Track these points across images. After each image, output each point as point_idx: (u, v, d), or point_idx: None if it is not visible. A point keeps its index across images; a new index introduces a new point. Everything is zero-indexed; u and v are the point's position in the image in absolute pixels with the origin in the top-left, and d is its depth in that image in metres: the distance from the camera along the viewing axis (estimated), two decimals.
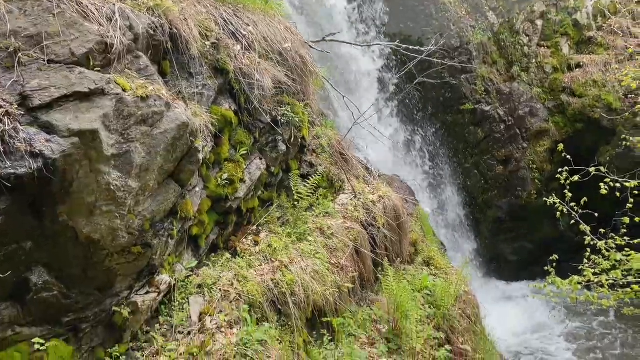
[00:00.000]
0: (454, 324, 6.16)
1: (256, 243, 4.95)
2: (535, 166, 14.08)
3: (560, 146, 7.14)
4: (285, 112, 5.22)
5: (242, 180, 4.74)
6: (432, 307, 6.09)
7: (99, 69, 3.24)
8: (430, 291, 6.28)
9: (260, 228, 5.21)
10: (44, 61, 3.04)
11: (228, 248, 4.80)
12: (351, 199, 6.53)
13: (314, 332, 4.76)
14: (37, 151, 2.71)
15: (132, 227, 3.31)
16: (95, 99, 3.04)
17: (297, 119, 5.34)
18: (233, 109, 4.69)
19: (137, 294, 3.62)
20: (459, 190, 14.32)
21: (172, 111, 3.49)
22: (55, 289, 3.00)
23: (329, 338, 4.65)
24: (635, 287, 5.99)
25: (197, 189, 4.21)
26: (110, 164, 3.06)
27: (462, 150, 14.27)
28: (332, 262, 5.40)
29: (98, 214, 3.06)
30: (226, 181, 4.50)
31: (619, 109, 12.68)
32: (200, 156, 3.86)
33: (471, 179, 14.44)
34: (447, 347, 5.67)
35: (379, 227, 6.42)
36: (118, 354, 3.41)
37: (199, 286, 4.18)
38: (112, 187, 3.07)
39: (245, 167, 4.84)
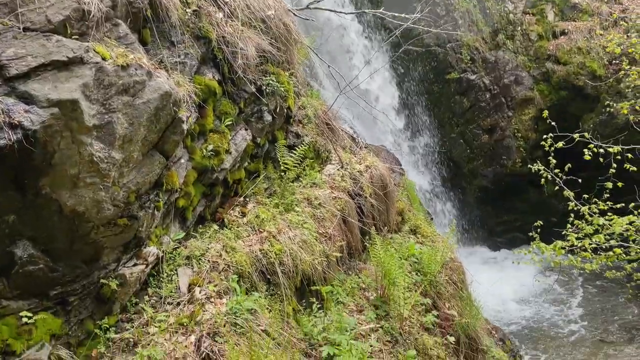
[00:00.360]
0: (440, 290, 6.26)
1: (243, 214, 4.94)
2: (520, 134, 14.18)
3: (545, 113, 7.19)
4: (270, 81, 5.14)
5: (227, 152, 4.69)
6: (419, 274, 6.18)
7: (77, 37, 3.14)
8: (417, 259, 6.35)
9: (248, 199, 5.19)
10: (19, 29, 2.94)
11: (215, 220, 4.79)
12: (338, 169, 6.53)
13: (303, 301, 4.80)
14: (16, 122, 2.64)
15: (117, 199, 3.27)
16: (74, 68, 2.96)
17: (282, 89, 5.27)
18: (217, 79, 4.61)
19: (124, 266, 3.60)
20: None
21: (154, 80, 3.42)
22: (41, 262, 2.97)
23: (318, 306, 4.70)
24: (618, 250, 6.13)
25: (182, 160, 4.16)
26: (92, 135, 3.01)
27: (448, 120, 14.28)
28: (320, 231, 5.42)
29: (82, 186, 3.02)
30: (211, 152, 4.45)
31: (603, 76, 12.75)
32: (185, 127, 3.81)
33: (457, 149, 14.50)
34: (434, 312, 5.78)
35: (366, 197, 6.45)
36: (107, 326, 3.41)
37: (187, 258, 4.18)
38: (95, 159, 3.02)
39: (230, 138, 4.79)
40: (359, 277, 5.81)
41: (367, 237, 6.20)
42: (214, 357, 3.36)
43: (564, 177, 6.72)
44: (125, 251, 3.55)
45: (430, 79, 13.81)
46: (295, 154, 5.64)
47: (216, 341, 3.48)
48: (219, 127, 4.67)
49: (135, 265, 3.68)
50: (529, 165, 7.58)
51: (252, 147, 5.17)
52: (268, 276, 4.52)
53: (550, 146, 6.68)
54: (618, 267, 7.50)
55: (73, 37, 3.12)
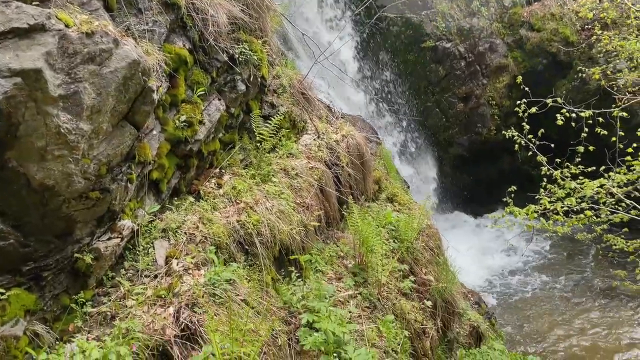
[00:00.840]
0: (417, 256, 6.36)
1: (219, 186, 4.90)
2: (494, 102, 14.28)
3: (519, 78, 7.24)
4: (243, 49, 5.03)
5: (201, 122, 4.61)
6: (396, 241, 6.26)
7: (38, 3, 3.00)
8: (394, 226, 6.42)
9: (223, 171, 5.14)
10: None
11: (191, 192, 4.73)
12: (314, 139, 6.50)
13: (282, 270, 4.83)
14: None
15: (87, 172, 3.20)
16: (36, 35, 2.84)
17: (255, 57, 5.17)
18: (187, 47, 4.49)
19: (99, 240, 3.55)
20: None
21: (121, 48, 3.31)
22: (11, 238, 2.90)
23: (297, 275, 4.73)
24: (589, 212, 6.28)
25: (155, 132, 4.08)
26: (58, 105, 2.91)
27: (424, 89, 14.28)
28: (298, 201, 5.42)
29: (50, 159, 2.93)
30: (184, 123, 4.37)
31: (576, 42, 12.85)
32: (155, 96, 3.71)
33: (432, 117, 14.55)
34: (411, 278, 5.88)
35: (342, 166, 6.45)
36: (84, 300, 3.38)
37: (164, 230, 4.14)
38: (62, 130, 2.93)
39: (203, 108, 4.70)
40: (337, 246, 5.86)
41: (345, 206, 6.23)
42: (193, 327, 3.36)
43: (537, 142, 6.81)
44: (99, 225, 3.50)
45: (406, 47, 13.73)
46: (270, 124, 5.58)
47: (195, 312, 3.48)
48: (192, 97, 4.57)
49: (109, 239, 3.62)
50: (503, 132, 7.66)
51: (226, 117, 5.09)
52: (246, 247, 4.52)
53: (523, 112, 6.75)
54: (589, 229, 7.72)
55: (33, 3, 2.98)
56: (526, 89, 6.71)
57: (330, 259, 5.56)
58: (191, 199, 4.58)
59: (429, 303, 5.92)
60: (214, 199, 4.70)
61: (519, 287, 11.87)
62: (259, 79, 5.50)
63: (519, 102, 6.87)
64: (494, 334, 8.00)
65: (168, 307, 3.48)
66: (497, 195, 13.56)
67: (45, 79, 2.81)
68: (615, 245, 7.60)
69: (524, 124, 6.84)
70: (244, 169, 5.31)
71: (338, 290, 5.02)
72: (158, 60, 3.92)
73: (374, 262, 5.48)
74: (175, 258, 3.91)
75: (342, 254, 5.73)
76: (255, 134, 5.47)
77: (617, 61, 9.58)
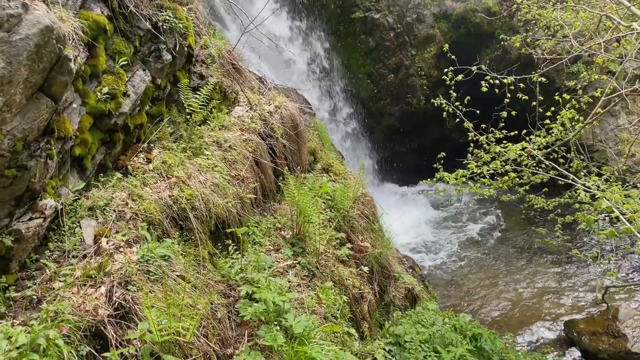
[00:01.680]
0: (353, 224, 6.48)
1: (149, 160, 4.71)
2: (423, 72, 14.62)
3: (446, 46, 7.40)
4: (167, 17, 4.80)
5: (125, 94, 4.39)
6: (332, 210, 6.33)
7: None
8: (330, 196, 6.49)
9: (152, 145, 4.94)
10: None
11: (118, 168, 4.52)
12: (247, 111, 6.38)
13: (219, 244, 4.76)
14: None
15: (1, 148, 2.97)
16: None
17: (181, 25, 4.96)
18: (106, 14, 4.22)
19: (19, 221, 3.33)
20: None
21: (31, 13, 3.05)
22: None
23: (235, 248, 4.68)
24: (512, 174, 6.61)
25: (75, 105, 3.83)
26: None
27: (355, 61, 14.37)
28: (232, 174, 5.33)
29: None
30: (107, 96, 4.14)
31: (497, 12, 13.33)
32: (73, 66, 3.47)
33: (364, 89, 14.70)
34: (348, 245, 5.99)
35: (277, 138, 6.39)
36: (6, 285, 3.17)
37: (90, 209, 3.94)
38: None
39: (127, 79, 4.47)
40: (275, 218, 5.84)
41: (281, 177, 6.20)
42: (128, 305, 3.25)
43: (464, 109, 7.05)
44: (18, 205, 3.27)
45: (337, 17, 13.71)
46: (200, 95, 5.41)
47: (128, 290, 3.36)
48: (114, 67, 4.32)
49: (31, 219, 3.40)
50: (432, 100, 7.86)
51: (152, 89, 4.87)
52: (180, 222, 4.40)
53: (450, 80, 6.94)
54: (513, 191, 8.16)
55: None
56: (453, 57, 6.89)
57: (268, 230, 5.54)
58: (119, 175, 4.38)
59: (365, 269, 6.07)
60: (143, 174, 4.52)
61: (450, 250, 12.43)
62: (186, 49, 5.29)
63: (446, 69, 7.06)
64: (428, 295, 8.36)
65: (99, 286, 3.33)
66: (429, 164, 14.08)
67: None
68: (536, 204, 8.10)
69: (451, 91, 7.05)
70: (174, 142, 5.14)
71: (277, 261, 5.03)
72: (74, 28, 3.66)
73: (312, 232, 5.52)
74: (105, 237, 3.75)
75: (279, 225, 5.73)
76: (185, 106, 5.29)
77: (536, 29, 10.06)
